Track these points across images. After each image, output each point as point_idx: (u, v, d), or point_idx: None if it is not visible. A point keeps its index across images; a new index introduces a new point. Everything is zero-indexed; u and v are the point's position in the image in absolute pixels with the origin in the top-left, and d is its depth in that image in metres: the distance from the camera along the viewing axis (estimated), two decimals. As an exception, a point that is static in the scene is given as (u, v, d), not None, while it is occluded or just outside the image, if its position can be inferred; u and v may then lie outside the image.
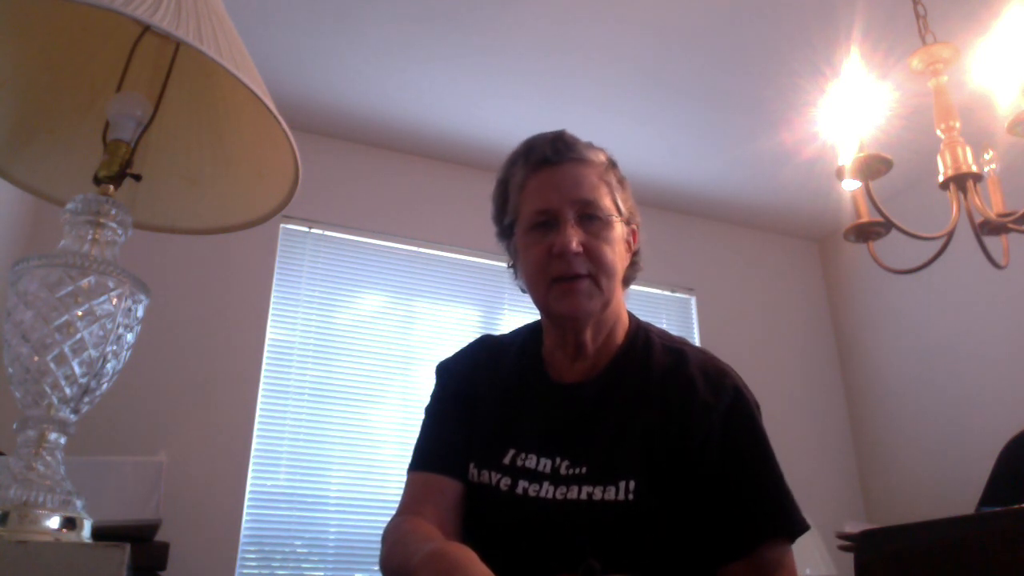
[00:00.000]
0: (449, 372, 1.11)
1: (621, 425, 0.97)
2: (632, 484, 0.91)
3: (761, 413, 0.98)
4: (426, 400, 1.11)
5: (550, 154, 1.01)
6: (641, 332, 1.06)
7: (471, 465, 1.03)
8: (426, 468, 1.01)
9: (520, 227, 1.03)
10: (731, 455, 0.92)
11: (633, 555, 0.89)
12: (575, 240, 0.96)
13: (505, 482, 0.98)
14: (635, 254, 1.09)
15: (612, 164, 1.07)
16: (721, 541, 0.90)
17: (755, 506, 0.90)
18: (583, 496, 0.92)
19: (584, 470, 0.95)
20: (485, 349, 1.13)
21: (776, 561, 0.90)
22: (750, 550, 0.89)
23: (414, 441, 1.07)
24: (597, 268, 0.97)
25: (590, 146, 1.06)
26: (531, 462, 0.99)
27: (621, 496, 0.91)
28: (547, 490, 0.95)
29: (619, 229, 1.02)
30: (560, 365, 1.05)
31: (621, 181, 1.07)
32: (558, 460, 0.97)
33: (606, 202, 1.00)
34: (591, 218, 0.99)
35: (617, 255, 1.00)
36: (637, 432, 0.95)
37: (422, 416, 1.10)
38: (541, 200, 1.00)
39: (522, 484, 0.97)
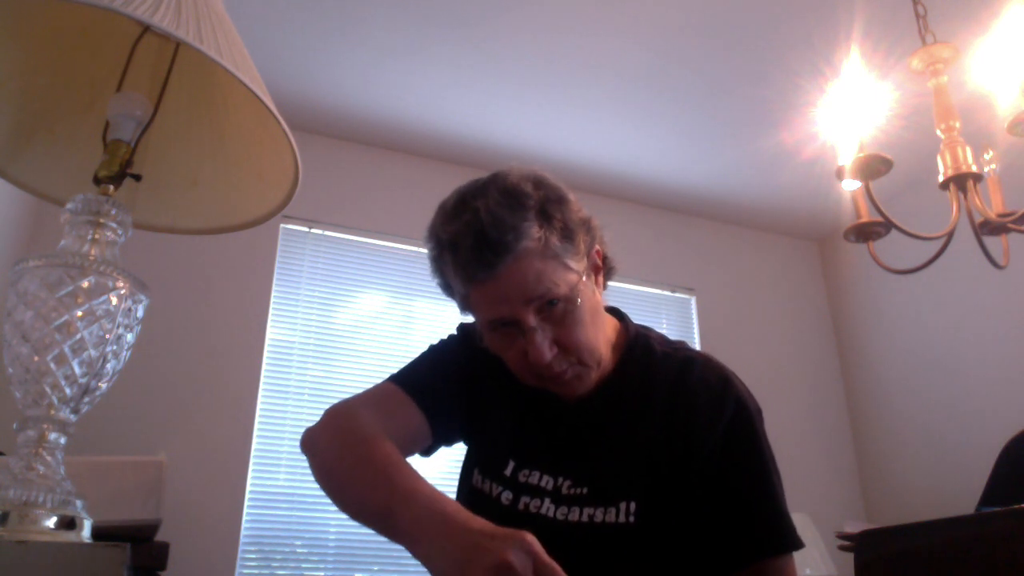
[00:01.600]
0: (470, 340, 1.06)
1: (622, 443, 0.95)
2: (633, 506, 0.90)
3: (763, 419, 0.96)
4: None
5: (479, 271, 0.86)
6: (640, 339, 1.02)
7: (475, 470, 1.02)
8: (408, 390, 0.96)
9: (481, 328, 0.95)
10: (730, 469, 0.91)
11: (634, 575, 0.89)
12: (547, 346, 0.88)
13: (507, 496, 0.96)
14: (605, 260, 1.00)
15: (545, 215, 0.89)
16: (716, 556, 0.89)
17: (750, 524, 0.89)
18: (584, 518, 0.91)
19: (585, 491, 0.93)
20: None
21: (776, 570, 0.89)
22: (744, 566, 0.89)
23: None
24: (578, 354, 0.91)
25: (516, 217, 0.86)
26: (535, 478, 0.97)
27: (622, 518, 0.89)
28: (548, 508, 0.94)
29: (583, 289, 0.91)
30: None
31: (565, 227, 0.90)
32: (560, 480, 0.95)
33: (561, 281, 0.87)
34: (552, 306, 0.88)
35: (591, 319, 0.92)
36: (639, 450, 0.94)
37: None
38: (493, 312, 0.89)
39: (524, 499, 0.96)
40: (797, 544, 0.90)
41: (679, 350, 1.01)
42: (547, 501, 0.94)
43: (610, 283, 1.05)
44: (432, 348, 1.08)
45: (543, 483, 0.96)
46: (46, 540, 0.66)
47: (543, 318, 0.88)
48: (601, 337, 0.95)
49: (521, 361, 0.91)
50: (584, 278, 0.92)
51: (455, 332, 1.10)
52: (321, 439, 0.88)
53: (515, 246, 0.85)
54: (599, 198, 3.40)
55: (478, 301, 0.91)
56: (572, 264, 0.90)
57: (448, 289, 0.97)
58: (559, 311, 0.88)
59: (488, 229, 0.85)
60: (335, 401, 0.95)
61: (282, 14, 2.44)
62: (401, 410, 0.94)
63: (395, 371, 1.02)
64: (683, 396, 0.94)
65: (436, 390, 0.99)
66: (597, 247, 0.98)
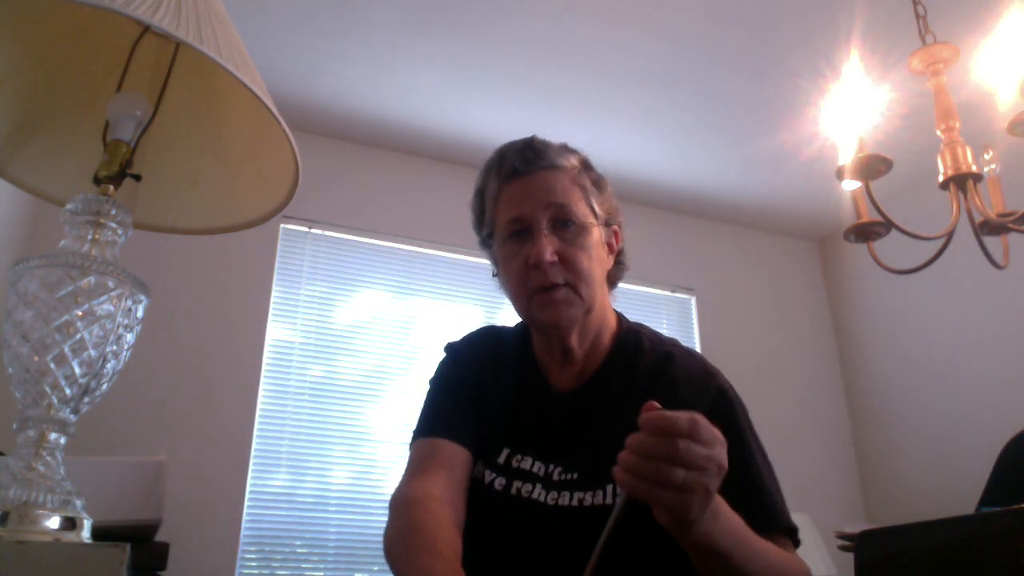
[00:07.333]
0: (459, 354, 1.11)
1: (608, 429, 0.96)
2: (619, 488, 0.91)
3: (747, 415, 0.98)
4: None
5: (519, 164, 1.00)
6: (631, 335, 1.06)
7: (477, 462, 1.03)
8: (434, 434, 1.00)
9: (497, 238, 1.03)
10: None
11: (624, 558, 0.89)
12: (549, 250, 0.95)
13: (500, 482, 0.99)
14: (619, 254, 1.08)
15: (586, 166, 1.05)
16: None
17: (733, 506, 0.89)
18: (575, 502, 0.93)
19: (575, 476, 0.95)
20: (490, 342, 1.13)
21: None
22: None
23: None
24: (574, 276, 0.97)
25: (562, 150, 1.03)
26: (527, 464, 0.99)
27: (609, 500, 0.91)
28: (539, 493, 0.96)
29: (596, 234, 1.01)
30: (550, 370, 1.06)
31: (597, 182, 1.05)
32: (551, 466, 0.98)
33: (580, 207, 0.99)
34: (565, 225, 0.98)
35: (595, 260, 1.00)
36: (623, 434, 0.94)
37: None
38: (514, 209, 0.99)
39: (516, 484, 0.98)
40: (786, 522, 0.90)
41: (666, 344, 1.05)
42: (538, 486, 0.97)
43: None
44: (431, 382, 1.11)
45: (535, 469, 0.99)
46: (46, 540, 0.66)
47: (555, 233, 0.98)
48: (597, 288, 1.01)
49: (522, 270, 0.97)
50: (599, 228, 1.02)
51: (444, 355, 1.13)
52: (388, 542, 0.89)
53: (554, 160, 1.01)
54: (599, 198, 3.40)
55: (507, 199, 1.01)
56: (595, 206, 1.02)
57: (479, 225, 1.07)
58: (571, 234, 0.98)
59: (536, 142, 1.03)
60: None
61: (283, 15, 2.44)
62: (441, 458, 0.97)
63: (415, 427, 1.05)
64: (665, 384, 0.97)
65: (454, 417, 1.02)
66: (616, 228, 1.07)
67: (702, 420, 0.67)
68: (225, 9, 0.92)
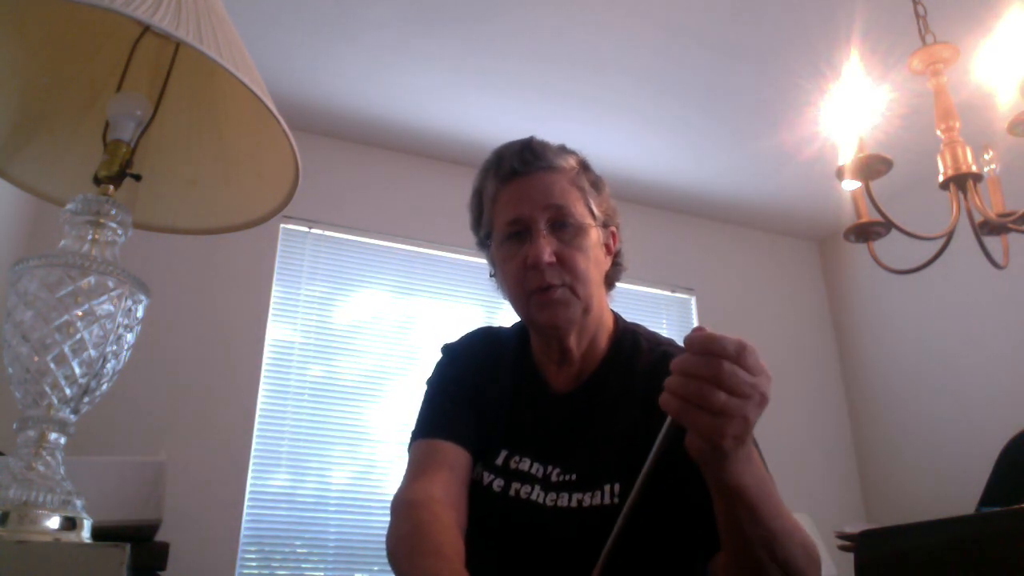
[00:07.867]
0: (456, 356, 1.11)
1: (606, 429, 0.97)
2: (617, 487, 0.92)
3: None
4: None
5: (518, 165, 1.00)
6: (628, 335, 1.06)
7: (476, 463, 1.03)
8: (434, 435, 1.00)
9: (495, 239, 1.03)
10: None
11: (624, 557, 0.89)
12: (547, 251, 0.96)
13: (498, 483, 0.99)
14: (617, 255, 1.08)
15: (584, 167, 1.05)
16: (699, 536, 0.88)
17: None
18: (573, 503, 0.94)
19: (574, 477, 0.96)
20: (488, 343, 1.13)
21: None
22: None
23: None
24: (572, 277, 0.97)
25: (560, 151, 1.04)
26: (525, 465, 1.00)
27: (607, 500, 0.91)
28: (538, 494, 0.96)
29: (594, 235, 1.01)
30: (548, 371, 1.06)
31: (595, 183, 1.05)
32: (550, 467, 0.98)
33: (578, 208, 1.00)
34: (563, 226, 0.98)
35: (592, 262, 1.00)
36: (621, 434, 0.96)
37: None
38: (512, 211, 1.00)
39: (515, 486, 0.98)
40: None
41: (663, 344, 1.05)
42: (536, 488, 0.97)
43: None
44: (428, 382, 1.11)
45: (533, 470, 0.99)
46: (46, 540, 0.66)
47: (553, 234, 0.98)
48: (595, 288, 1.01)
49: (520, 271, 0.98)
50: (597, 229, 1.02)
51: (441, 356, 1.14)
52: (390, 545, 0.89)
53: (553, 161, 1.01)
54: (599, 198, 3.40)
55: (505, 200, 1.01)
56: (593, 207, 1.02)
57: (477, 225, 1.07)
58: (568, 234, 0.98)
59: (535, 143, 1.03)
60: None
61: (283, 15, 2.44)
62: (440, 459, 0.97)
63: (413, 428, 1.05)
64: (661, 382, 0.95)
65: (453, 418, 1.02)
66: (613, 229, 1.07)
67: (750, 347, 0.64)
68: (225, 9, 0.92)
